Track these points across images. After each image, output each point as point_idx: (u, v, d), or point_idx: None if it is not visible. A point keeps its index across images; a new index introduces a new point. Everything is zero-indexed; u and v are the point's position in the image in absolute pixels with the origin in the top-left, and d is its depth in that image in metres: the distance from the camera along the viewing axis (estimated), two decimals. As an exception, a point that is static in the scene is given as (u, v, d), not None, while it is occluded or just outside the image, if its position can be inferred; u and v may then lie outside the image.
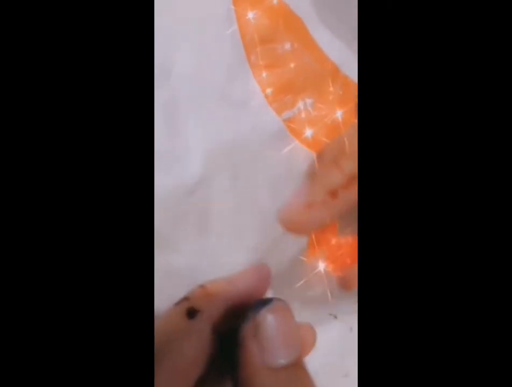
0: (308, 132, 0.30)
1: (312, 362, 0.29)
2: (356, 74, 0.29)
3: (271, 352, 0.16)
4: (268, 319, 0.16)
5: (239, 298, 0.18)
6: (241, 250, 0.29)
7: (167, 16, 0.28)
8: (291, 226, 0.25)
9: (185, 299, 0.19)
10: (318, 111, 0.30)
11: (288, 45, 0.29)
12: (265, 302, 0.17)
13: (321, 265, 0.28)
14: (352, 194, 0.24)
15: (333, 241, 0.29)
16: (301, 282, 0.28)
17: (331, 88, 0.30)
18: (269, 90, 0.29)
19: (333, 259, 0.29)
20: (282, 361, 0.16)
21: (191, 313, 0.18)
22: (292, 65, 0.30)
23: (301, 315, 0.30)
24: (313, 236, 0.28)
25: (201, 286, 0.19)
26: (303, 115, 0.30)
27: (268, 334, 0.16)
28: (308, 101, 0.30)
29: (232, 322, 0.17)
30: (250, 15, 0.29)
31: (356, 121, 0.28)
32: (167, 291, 0.27)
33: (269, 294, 0.19)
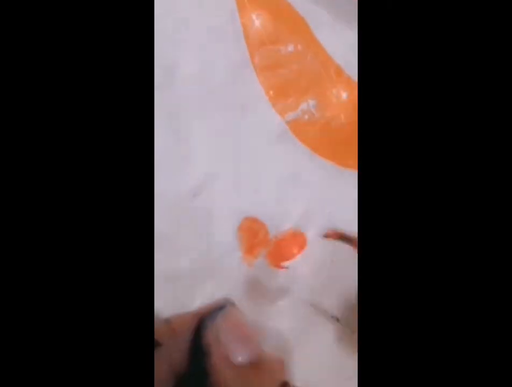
0: (311, 134, 0.30)
1: (314, 364, 0.30)
2: (359, 76, 0.29)
3: (231, 352, 0.17)
4: (224, 322, 0.17)
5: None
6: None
7: (170, 17, 0.28)
8: None
9: None
10: (321, 113, 0.30)
11: (291, 47, 0.29)
12: (220, 308, 0.18)
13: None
14: None
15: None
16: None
17: (334, 90, 0.30)
18: (272, 92, 0.29)
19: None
20: (240, 359, 0.17)
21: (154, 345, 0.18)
22: (295, 66, 0.29)
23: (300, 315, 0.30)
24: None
25: (166, 320, 0.19)
26: (306, 116, 0.30)
27: (226, 335, 0.17)
28: (312, 102, 0.30)
29: (193, 357, 0.17)
30: (254, 16, 0.29)
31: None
32: (168, 294, 0.27)
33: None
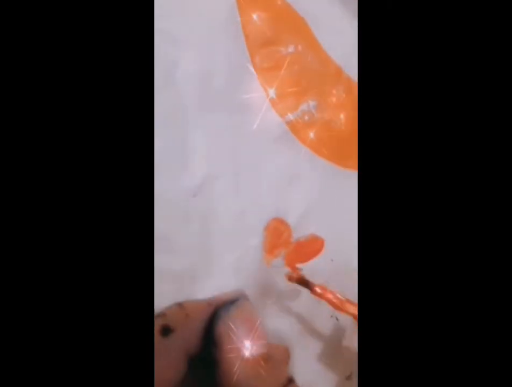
0: (311, 134, 0.30)
1: (312, 364, 0.30)
2: (359, 76, 0.29)
3: (242, 344, 0.17)
4: (237, 315, 0.18)
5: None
6: (243, 253, 0.29)
7: (170, 18, 0.28)
8: None
9: (161, 315, 0.18)
10: (321, 113, 0.30)
11: (291, 48, 0.29)
12: (233, 301, 0.18)
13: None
14: None
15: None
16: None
17: (334, 91, 0.30)
18: (272, 92, 0.29)
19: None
20: (250, 351, 0.17)
21: (165, 331, 0.18)
22: (295, 67, 0.30)
23: (300, 314, 0.30)
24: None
25: (180, 305, 0.19)
26: (306, 117, 0.30)
27: (237, 328, 0.17)
28: (312, 103, 0.30)
29: (206, 344, 0.18)
30: (254, 17, 0.29)
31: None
32: (168, 293, 0.27)
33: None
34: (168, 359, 0.17)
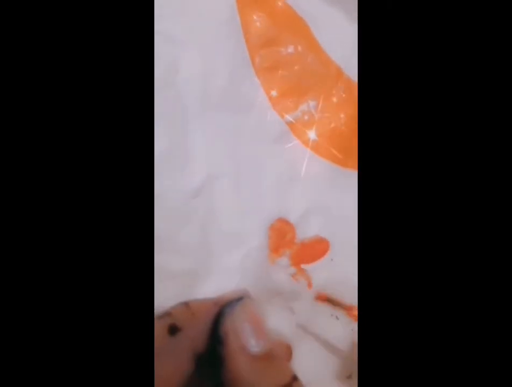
0: (311, 134, 0.30)
1: (313, 363, 0.30)
2: (359, 77, 0.29)
3: (247, 342, 0.17)
4: (241, 313, 0.18)
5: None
6: (243, 253, 0.29)
7: (171, 19, 0.28)
8: None
9: (168, 314, 0.18)
10: (321, 113, 0.30)
11: (291, 48, 0.30)
12: (238, 299, 0.18)
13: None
14: None
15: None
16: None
17: (334, 91, 0.30)
18: (272, 92, 0.29)
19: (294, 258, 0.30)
20: (255, 349, 0.17)
21: (173, 330, 0.18)
22: (296, 67, 0.30)
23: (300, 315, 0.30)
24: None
25: (186, 304, 0.19)
26: (306, 117, 0.30)
27: (242, 326, 0.17)
28: (312, 103, 0.30)
29: (212, 342, 0.18)
30: (255, 18, 0.29)
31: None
32: (168, 293, 0.28)
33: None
34: (175, 358, 0.17)
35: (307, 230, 0.30)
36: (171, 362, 0.17)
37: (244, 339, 0.17)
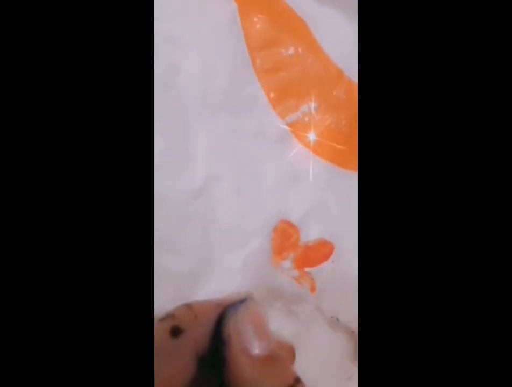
0: (311, 136, 0.30)
1: (314, 364, 0.30)
2: (360, 78, 0.29)
3: (250, 344, 0.17)
4: (245, 315, 0.18)
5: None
6: (244, 254, 0.29)
7: (172, 20, 0.28)
8: None
9: (170, 316, 0.18)
10: (322, 115, 0.30)
11: (292, 50, 0.30)
12: (241, 301, 0.18)
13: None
14: None
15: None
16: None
17: (335, 93, 0.30)
18: (273, 94, 0.30)
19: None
20: (258, 351, 0.17)
21: (175, 332, 0.18)
22: (296, 69, 0.30)
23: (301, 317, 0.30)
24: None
25: (188, 306, 0.19)
26: (307, 119, 0.30)
27: (245, 328, 0.17)
28: (312, 105, 0.30)
29: (214, 344, 0.18)
30: (255, 19, 0.29)
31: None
32: (168, 294, 0.28)
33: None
34: (178, 360, 0.17)
35: (308, 231, 0.30)
36: (174, 363, 0.17)
37: (247, 341, 0.17)
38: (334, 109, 0.30)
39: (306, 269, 0.30)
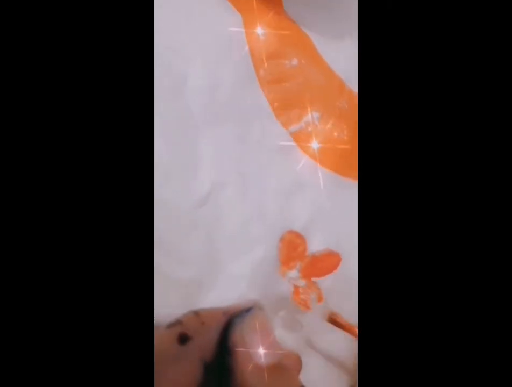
0: (315, 145, 0.30)
1: (317, 372, 0.30)
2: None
3: (255, 353, 0.17)
4: (251, 324, 0.18)
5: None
6: (249, 262, 0.30)
7: (179, 33, 0.29)
8: None
9: (178, 322, 0.18)
10: (324, 125, 0.30)
11: (295, 61, 0.30)
12: (248, 309, 0.18)
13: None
14: None
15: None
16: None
17: (337, 103, 0.30)
18: (276, 104, 0.30)
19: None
20: (264, 360, 0.17)
21: (183, 339, 0.18)
22: (299, 80, 0.30)
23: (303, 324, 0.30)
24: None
25: (195, 313, 0.19)
26: (310, 128, 0.30)
27: (251, 337, 0.17)
28: (315, 115, 0.30)
29: (220, 351, 0.18)
30: (259, 31, 0.30)
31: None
32: (173, 301, 0.28)
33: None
34: (185, 367, 0.17)
35: (312, 238, 0.30)
36: (181, 370, 0.17)
37: (254, 350, 0.17)
38: (337, 119, 0.30)
39: (313, 279, 0.30)
